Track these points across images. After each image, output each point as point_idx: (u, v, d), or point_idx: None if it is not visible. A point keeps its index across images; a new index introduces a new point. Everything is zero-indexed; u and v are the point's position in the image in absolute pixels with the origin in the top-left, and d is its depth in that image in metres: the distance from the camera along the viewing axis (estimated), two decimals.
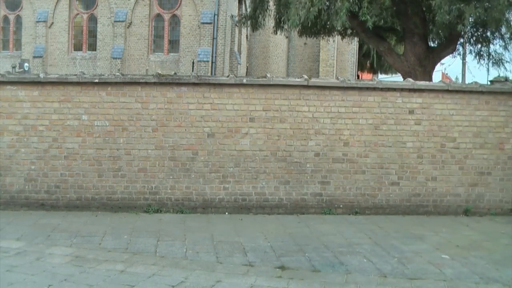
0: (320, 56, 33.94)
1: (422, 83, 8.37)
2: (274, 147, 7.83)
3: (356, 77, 34.40)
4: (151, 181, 7.76)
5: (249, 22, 15.51)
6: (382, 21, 11.67)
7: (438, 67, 26.59)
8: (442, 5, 10.83)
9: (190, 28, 26.90)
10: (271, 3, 14.19)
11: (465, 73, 26.96)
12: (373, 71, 37.18)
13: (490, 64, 14.13)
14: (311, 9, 11.16)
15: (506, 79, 11.40)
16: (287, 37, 15.23)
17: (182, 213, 7.71)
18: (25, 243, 5.83)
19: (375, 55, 34.07)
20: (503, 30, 12.41)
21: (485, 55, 14.07)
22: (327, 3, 11.66)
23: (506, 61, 13.87)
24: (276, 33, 15.46)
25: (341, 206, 7.95)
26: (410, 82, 8.27)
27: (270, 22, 15.02)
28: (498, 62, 13.83)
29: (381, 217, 7.77)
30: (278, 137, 7.83)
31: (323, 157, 7.90)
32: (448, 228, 7.24)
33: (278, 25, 14.32)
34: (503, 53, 13.71)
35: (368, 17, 11.00)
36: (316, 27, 14.84)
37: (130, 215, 7.51)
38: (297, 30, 14.20)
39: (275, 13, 13.69)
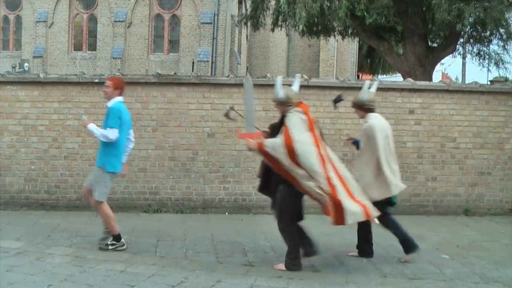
0: (320, 56, 33.92)
1: (422, 83, 8.37)
2: None
3: (356, 77, 34.36)
4: (151, 181, 7.76)
5: (249, 22, 15.52)
6: (384, 18, 11.70)
7: (438, 67, 26.58)
8: (442, 3, 10.86)
9: (190, 28, 26.91)
10: (272, 3, 14.20)
11: (465, 73, 26.98)
12: (373, 71, 37.14)
13: (491, 64, 14.15)
14: (313, 5, 11.29)
15: (506, 79, 11.40)
16: (287, 35, 15.33)
17: (182, 213, 7.71)
18: (25, 243, 5.82)
19: (375, 55, 34.03)
20: (503, 30, 12.43)
21: (485, 55, 14.08)
22: (327, 2, 11.70)
23: (507, 62, 13.89)
24: (273, 31, 15.45)
25: None
26: (410, 82, 8.27)
27: (271, 22, 15.00)
28: (498, 62, 13.85)
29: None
30: None
31: None
32: (448, 228, 7.24)
33: (276, 23, 14.35)
34: (503, 53, 13.74)
35: (374, 15, 11.10)
36: (317, 27, 14.87)
37: (130, 215, 7.51)
38: (300, 30, 14.22)
39: (274, 10, 13.70)
